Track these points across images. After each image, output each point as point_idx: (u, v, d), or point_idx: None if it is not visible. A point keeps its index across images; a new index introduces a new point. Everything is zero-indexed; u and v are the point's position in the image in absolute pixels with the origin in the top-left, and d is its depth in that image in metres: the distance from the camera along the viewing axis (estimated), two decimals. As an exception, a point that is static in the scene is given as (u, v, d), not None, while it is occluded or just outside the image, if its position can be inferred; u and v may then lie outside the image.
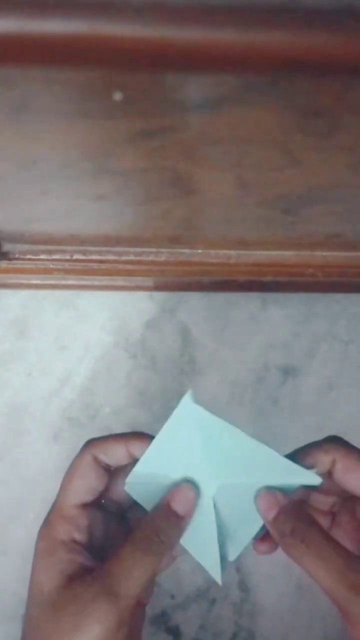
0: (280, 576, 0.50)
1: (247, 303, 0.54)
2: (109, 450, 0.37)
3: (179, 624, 0.49)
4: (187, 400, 0.37)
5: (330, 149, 0.27)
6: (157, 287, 0.53)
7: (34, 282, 0.51)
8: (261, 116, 0.24)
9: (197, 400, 0.37)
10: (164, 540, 0.35)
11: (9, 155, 0.28)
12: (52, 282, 0.51)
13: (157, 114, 0.24)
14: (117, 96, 0.21)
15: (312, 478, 0.36)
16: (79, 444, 0.52)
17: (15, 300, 0.54)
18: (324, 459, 0.36)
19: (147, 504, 0.38)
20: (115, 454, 0.37)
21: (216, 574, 0.37)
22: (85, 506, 0.37)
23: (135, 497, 0.39)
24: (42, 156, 0.28)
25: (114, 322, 0.54)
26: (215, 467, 0.37)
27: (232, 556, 0.38)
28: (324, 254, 0.47)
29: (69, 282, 0.51)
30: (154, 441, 0.37)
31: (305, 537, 0.34)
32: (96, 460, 0.37)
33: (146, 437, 0.38)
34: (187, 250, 0.47)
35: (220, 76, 0.20)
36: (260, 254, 0.47)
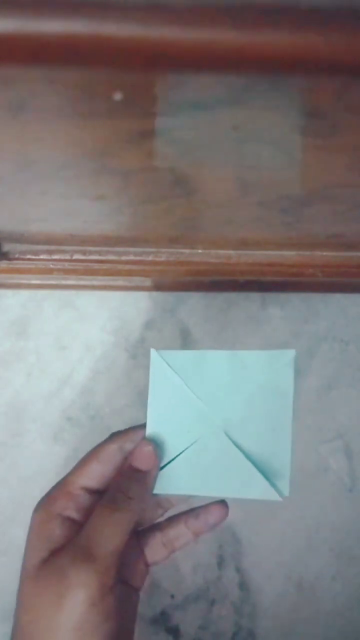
0: (280, 576, 0.50)
1: (247, 303, 0.54)
2: (136, 437, 0.38)
3: (179, 624, 0.49)
4: (154, 353, 0.39)
5: (330, 149, 0.27)
6: (157, 287, 0.53)
7: (34, 282, 0.51)
8: (261, 116, 0.24)
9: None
10: (131, 496, 0.35)
11: (8, 155, 0.28)
12: (52, 282, 0.51)
13: (157, 114, 0.24)
14: (117, 96, 0.21)
15: (287, 354, 0.38)
16: (79, 444, 0.52)
17: (15, 300, 0.54)
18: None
19: (191, 487, 0.38)
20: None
21: (271, 494, 0.37)
22: (92, 491, 0.37)
23: (176, 490, 0.39)
24: (42, 156, 0.28)
25: (114, 322, 0.54)
26: (212, 400, 0.38)
27: (285, 491, 0.38)
28: (324, 254, 0.47)
29: (69, 282, 0.51)
30: (149, 417, 0.39)
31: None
32: (121, 449, 0.37)
33: None
34: (187, 250, 0.47)
35: (220, 76, 0.20)
36: (260, 254, 0.47)
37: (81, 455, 0.51)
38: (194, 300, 0.54)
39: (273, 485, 0.37)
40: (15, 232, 0.44)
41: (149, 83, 0.21)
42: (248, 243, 0.46)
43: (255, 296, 0.54)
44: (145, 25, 0.18)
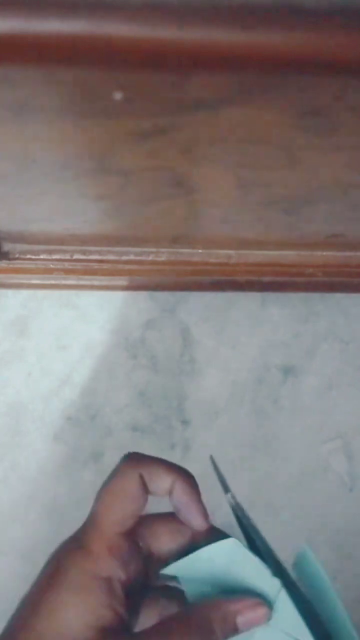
0: (280, 576, 0.50)
1: (247, 303, 0.54)
2: (156, 477, 0.31)
3: (179, 624, 0.49)
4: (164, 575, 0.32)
5: (330, 149, 0.27)
6: (157, 287, 0.53)
7: (34, 282, 0.51)
8: (261, 116, 0.24)
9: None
10: None
11: (9, 155, 0.28)
12: (52, 282, 0.51)
13: (157, 114, 0.24)
14: (117, 96, 0.21)
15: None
16: (79, 444, 0.52)
17: (15, 300, 0.54)
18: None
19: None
20: (160, 484, 0.31)
21: None
22: (127, 535, 0.31)
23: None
24: (42, 156, 0.28)
25: (114, 322, 0.54)
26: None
27: None
28: (324, 254, 0.47)
29: (69, 282, 0.51)
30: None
31: None
32: (143, 482, 0.31)
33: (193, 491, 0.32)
34: (187, 250, 0.47)
35: (220, 76, 0.20)
36: (260, 254, 0.47)
37: (80, 455, 0.51)
38: (194, 300, 0.54)
39: None
40: (15, 232, 0.44)
41: (149, 83, 0.21)
42: (248, 243, 0.46)
43: (255, 296, 0.54)
44: (145, 25, 0.18)
